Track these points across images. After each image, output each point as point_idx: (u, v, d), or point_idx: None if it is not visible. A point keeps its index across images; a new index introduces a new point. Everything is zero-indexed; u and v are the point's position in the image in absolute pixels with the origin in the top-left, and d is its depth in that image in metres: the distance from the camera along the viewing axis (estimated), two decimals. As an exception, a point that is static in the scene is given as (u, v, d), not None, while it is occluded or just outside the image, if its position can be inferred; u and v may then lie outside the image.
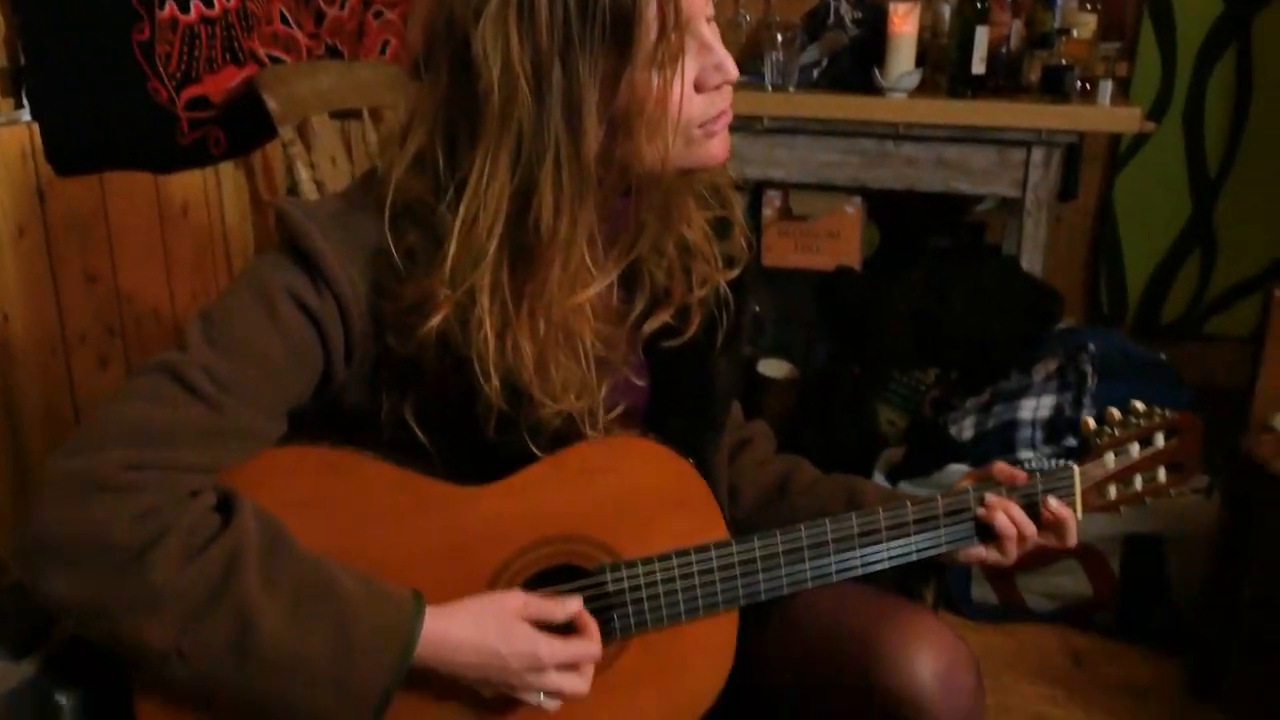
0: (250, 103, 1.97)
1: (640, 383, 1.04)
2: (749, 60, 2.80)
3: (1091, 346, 2.20)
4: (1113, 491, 1.16)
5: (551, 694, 0.95)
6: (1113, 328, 3.22)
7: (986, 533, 1.11)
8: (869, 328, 2.60)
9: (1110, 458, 1.15)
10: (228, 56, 1.98)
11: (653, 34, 0.85)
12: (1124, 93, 3.02)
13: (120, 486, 0.81)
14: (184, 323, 0.94)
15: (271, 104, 1.91)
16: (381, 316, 0.90)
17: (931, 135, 2.53)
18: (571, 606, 0.95)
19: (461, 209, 0.87)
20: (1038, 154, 2.50)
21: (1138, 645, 2.02)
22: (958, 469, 2.10)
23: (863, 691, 0.99)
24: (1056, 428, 2.05)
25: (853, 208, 2.75)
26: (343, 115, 2.26)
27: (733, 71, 0.92)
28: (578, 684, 0.95)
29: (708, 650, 1.05)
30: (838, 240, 2.80)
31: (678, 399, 1.07)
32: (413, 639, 0.88)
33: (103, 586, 0.81)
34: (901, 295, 2.59)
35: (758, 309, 2.94)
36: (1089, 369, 2.12)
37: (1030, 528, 1.10)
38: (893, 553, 1.08)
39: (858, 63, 2.63)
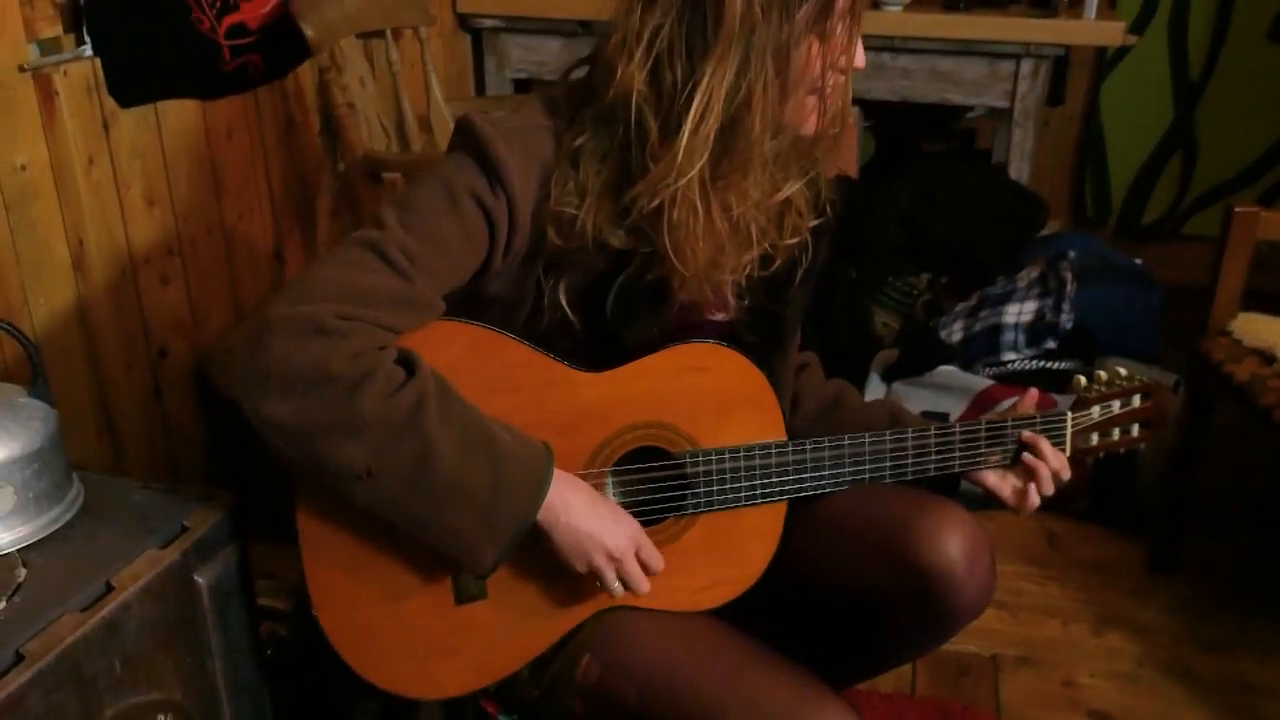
0: (284, 27, 2.08)
1: (730, 305, 1.23)
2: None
3: (1071, 253, 2.36)
4: (1095, 438, 1.34)
5: (626, 580, 1.13)
6: (1097, 230, 3.39)
7: (1015, 462, 1.29)
8: (863, 234, 2.75)
9: (1096, 410, 1.33)
10: (261, -17, 2.07)
11: (839, 12, 1.05)
12: (1111, 2, 3.12)
13: (337, 331, 0.99)
14: (379, 206, 1.11)
15: (309, 31, 2.02)
16: (545, 217, 1.09)
17: (926, 48, 2.65)
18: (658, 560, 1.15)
19: (691, 111, 1.04)
20: (1026, 66, 2.63)
21: (1106, 528, 2.24)
22: (947, 370, 2.28)
23: (900, 566, 1.17)
24: (1037, 331, 2.23)
25: (851, 117, 2.87)
26: (367, 36, 2.37)
27: (863, 63, 1.12)
28: (645, 584, 1.14)
29: (760, 534, 1.23)
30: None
31: (758, 320, 1.24)
32: (547, 480, 1.07)
33: (319, 410, 0.99)
34: (893, 201, 2.74)
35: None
36: (1068, 275, 2.29)
37: (1060, 464, 1.27)
38: (939, 464, 1.26)
39: (857, -25, 2.72)
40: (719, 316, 1.24)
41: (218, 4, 1.96)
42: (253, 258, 2.14)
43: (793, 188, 1.16)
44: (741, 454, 1.19)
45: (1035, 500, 1.29)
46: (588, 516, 1.10)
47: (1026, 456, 1.28)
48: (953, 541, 1.16)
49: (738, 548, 1.22)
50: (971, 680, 1.85)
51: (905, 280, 2.68)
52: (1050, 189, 3.40)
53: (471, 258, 1.09)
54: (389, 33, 2.34)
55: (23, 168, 1.61)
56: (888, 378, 2.42)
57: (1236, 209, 1.86)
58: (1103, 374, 1.35)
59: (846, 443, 1.23)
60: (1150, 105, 3.26)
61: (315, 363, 0.99)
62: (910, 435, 1.24)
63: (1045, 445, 1.28)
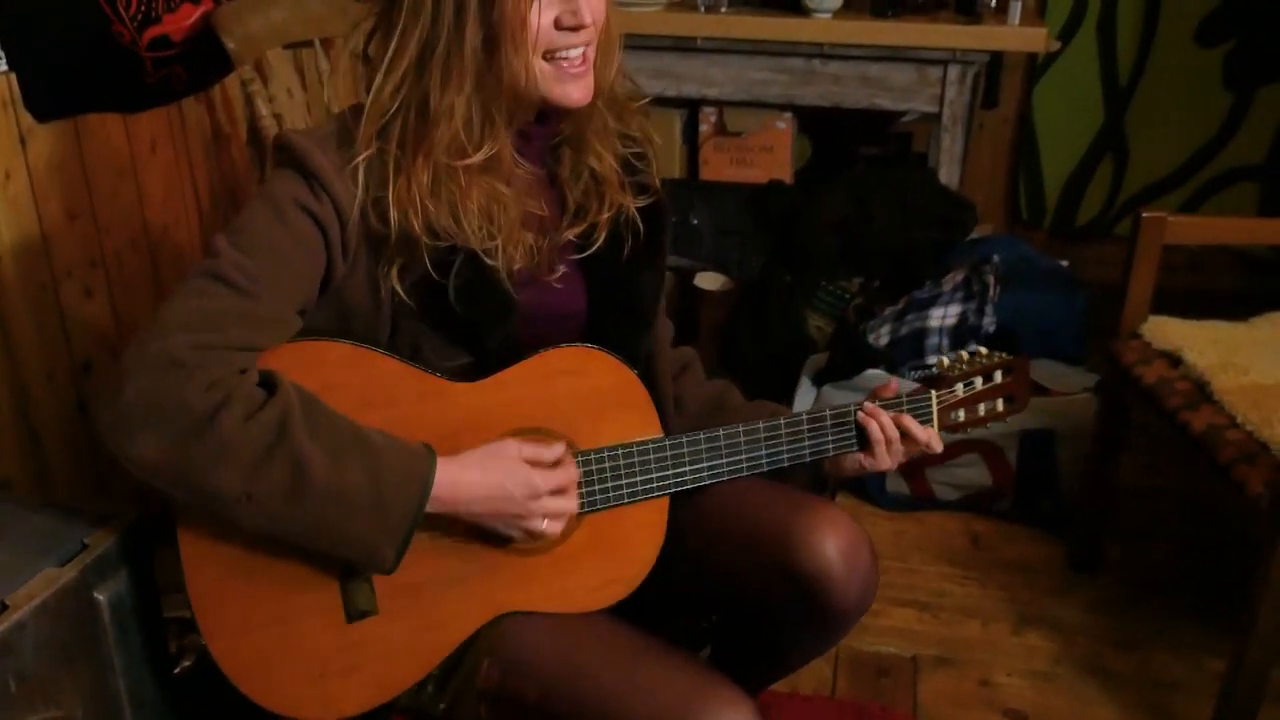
0: (209, 39, 2.07)
1: (579, 289, 1.27)
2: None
3: (996, 257, 2.41)
4: (961, 415, 1.39)
5: (550, 515, 1.16)
6: (1032, 232, 3.44)
7: (865, 442, 1.32)
8: (797, 238, 2.79)
9: (960, 387, 1.38)
10: (184, -5, 2.07)
11: None
12: (1040, 5, 3.18)
13: (189, 363, 1.01)
14: (210, 238, 1.14)
15: (230, 44, 2.01)
16: (368, 210, 1.13)
17: (854, 54, 2.69)
18: (557, 448, 1.18)
19: (378, 78, 1.12)
20: (953, 72, 2.67)
21: (1029, 528, 2.29)
22: (874, 374, 2.31)
23: (777, 567, 1.20)
24: (960, 335, 2.27)
25: (784, 123, 2.91)
26: (295, 46, 2.37)
27: (585, 18, 1.12)
28: (568, 504, 1.18)
29: (645, 530, 1.26)
30: (770, 154, 2.96)
31: (610, 303, 1.29)
32: (430, 474, 1.09)
33: (183, 444, 1.01)
34: (826, 206, 2.77)
35: (696, 222, 3.10)
36: (991, 279, 2.33)
37: (894, 432, 1.31)
38: (790, 452, 1.29)
39: (787, -17, 2.76)
40: (580, 289, 1.28)
41: (139, 16, 1.96)
42: (180, 269, 2.13)
43: (595, 162, 1.24)
44: (620, 452, 1.22)
45: (886, 461, 1.31)
46: (485, 485, 1.12)
47: (870, 430, 1.30)
48: (829, 543, 1.19)
49: (624, 546, 1.25)
50: (891, 681, 1.88)
51: (838, 284, 2.72)
52: (986, 191, 3.46)
53: (311, 265, 1.12)
54: (318, 42, 2.34)
55: (-64, 183, 1.61)
56: (818, 381, 2.45)
57: (1144, 214, 1.91)
58: (964, 354, 1.41)
59: (721, 434, 1.26)
60: (1081, 108, 3.32)
61: (173, 396, 1.00)
62: (762, 426, 1.28)
63: (884, 418, 1.30)
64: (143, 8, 1.96)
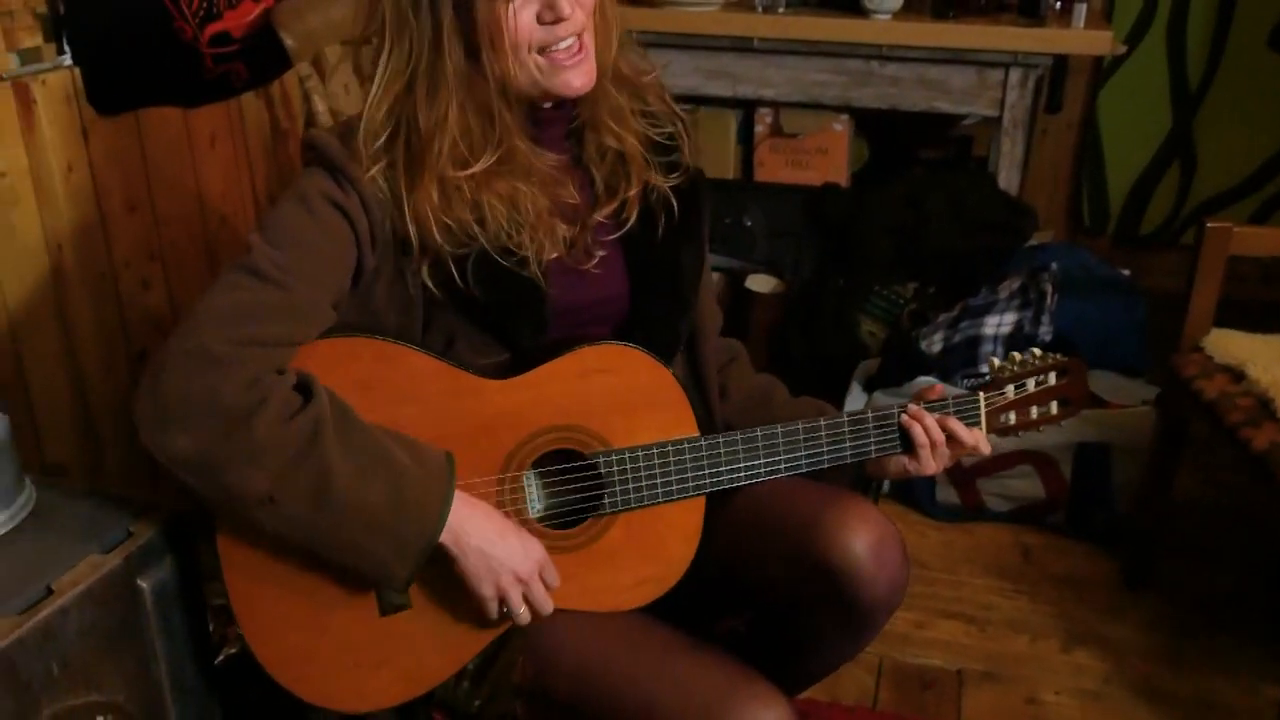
0: (268, 36, 2.10)
1: (619, 271, 1.27)
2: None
3: (1054, 265, 2.36)
4: (1012, 417, 1.36)
5: (532, 602, 1.16)
6: (1094, 239, 3.37)
7: (909, 445, 1.29)
8: (852, 241, 2.76)
9: (1011, 389, 1.34)
10: (246, -9, 2.10)
11: None
12: (1107, 8, 3.11)
13: (226, 359, 1.03)
14: (220, 260, 1.15)
15: (289, 41, 2.04)
16: (390, 202, 1.14)
17: (914, 56, 2.65)
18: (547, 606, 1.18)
19: (370, 97, 1.14)
20: (1015, 75, 2.62)
21: (1082, 543, 2.24)
22: (925, 381, 2.28)
23: (808, 564, 1.19)
24: (1015, 343, 2.23)
25: (840, 125, 2.88)
26: (353, 42, 2.39)
27: (563, 10, 1.12)
28: (550, 604, 1.17)
29: (680, 530, 1.25)
30: (826, 156, 2.93)
31: (650, 283, 1.28)
32: (448, 498, 1.10)
33: (216, 441, 1.02)
34: (882, 209, 2.74)
35: (749, 223, 3.07)
36: (1049, 287, 2.28)
37: (939, 435, 1.28)
38: (830, 454, 1.28)
39: (847, -19, 2.73)
40: (621, 273, 1.27)
41: (200, 13, 1.99)
42: (236, 262, 2.17)
43: (618, 143, 1.24)
44: (655, 451, 1.22)
45: (931, 465, 1.29)
46: (493, 540, 1.12)
47: (914, 433, 1.28)
48: (858, 538, 1.17)
49: (658, 545, 1.24)
50: (935, 695, 1.85)
51: (892, 289, 2.68)
52: (1047, 197, 3.39)
53: (342, 257, 1.14)
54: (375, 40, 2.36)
55: (1, 174, 1.64)
56: (869, 387, 2.42)
57: (1209, 224, 1.86)
58: (1016, 354, 1.37)
59: (759, 434, 1.25)
60: (1148, 114, 3.24)
61: (209, 393, 1.02)
62: (801, 427, 1.26)
63: (928, 420, 1.28)
64: (204, 4, 1.99)
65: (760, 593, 1.27)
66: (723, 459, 1.24)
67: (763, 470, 1.26)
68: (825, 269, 2.79)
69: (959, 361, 2.27)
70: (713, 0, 2.74)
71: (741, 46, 2.73)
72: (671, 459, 1.22)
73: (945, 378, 2.28)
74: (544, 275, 1.19)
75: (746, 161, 3.02)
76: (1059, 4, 2.65)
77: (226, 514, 1.11)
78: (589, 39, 1.17)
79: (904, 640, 1.95)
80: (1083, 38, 2.56)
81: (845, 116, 2.87)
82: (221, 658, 1.44)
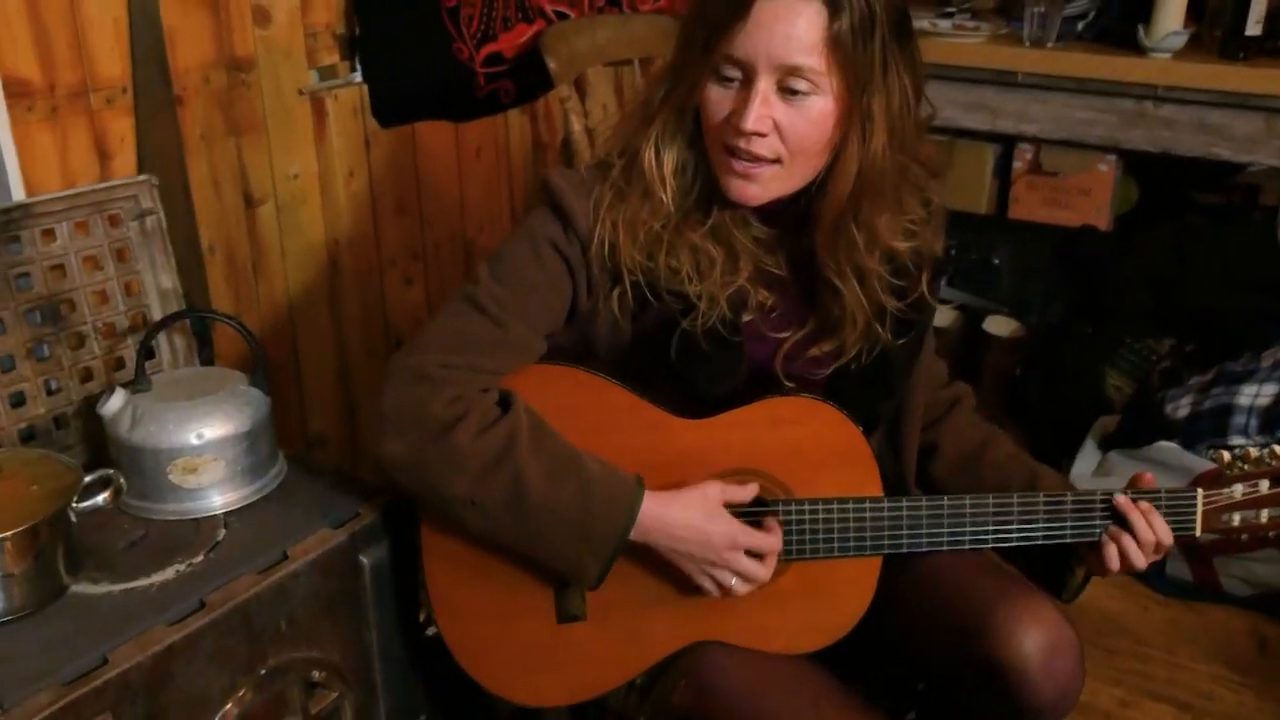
0: (537, 56, 2.26)
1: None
2: (1013, 6, 2.80)
3: (1331, 336, 2.16)
4: (1236, 519, 1.26)
5: (740, 574, 1.20)
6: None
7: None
8: (1107, 288, 2.63)
9: (1239, 489, 1.25)
10: (519, 14, 2.27)
11: (714, 52, 1.12)
12: None
13: (438, 379, 1.15)
14: (476, 261, 1.26)
15: (552, 64, 2.18)
16: (612, 253, 1.20)
17: (1193, 99, 2.48)
18: (751, 489, 1.22)
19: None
20: (1310, 125, 2.41)
21: (1333, 639, 2.05)
22: (1168, 446, 2.15)
23: (976, 655, 1.17)
24: (1272, 419, 2.06)
25: (1106, 165, 2.74)
26: (616, 64, 2.52)
27: (746, 123, 1.12)
28: (761, 571, 1.21)
29: (854, 585, 1.27)
30: (1088, 197, 2.80)
31: (852, 372, 1.28)
32: (636, 504, 1.16)
33: (423, 448, 1.14)
34: (1142, 257, 2.59)
35: (996, 262, 2.98)
36: (1321, 360, 2.10)
37: (1149, 536, 1.21)
38: (1020, 534, 1.25)
39: (1126, 15, 2.59)
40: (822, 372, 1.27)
41: (479, 35, 2.16)
42: (489, 265, 2.34)
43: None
44: (836, 505, 1.23)
45: (1115, 564, 1.23)
46: (686, 525, 1.17)
47: (1111, 528, 1.23)
48: (1030, 636, 1.14)
49: (830, 597, 1.26)
50: (1132, 777, 1.76)
51: (1145, 343, 2.54)
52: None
53: (559, 300, 1.22)
54: (636, 61, 2.48)
55: (295, 177, 1.86)
56: (1105, 445, 2.31)
57: None
58: (1252, 450, 1.26)
59: (945, 503, 1.24)
60: None
61: (419, 406, 1.14)
62: (991, 501, 1.23)
63: (1136, 515, 1.21)
64: (482, 26, 2.17)
65: (926, 669, 1.26)
66: (904, 523, 1.24)
67: (945, 540, 1.25)
68: (1073, 315, 2.68)
69: (1205, 430, 2.13)
70: (978, 32, 2.68)
71: (1004, 80, 2.65)
72: (851, 516, 1.24)
73: (1189, 445, 2.14)
74: (742, 336, 1.22)
75: (1001, 197, 2.94)
76: (1371, 49, 2.42)
77: (441, 514, 1.21)
78: (779, 168, 1.16)
79: (1105, 718, 1.86)
80: (1395, 89, 2.32)
81: (1112, 157, 2.73)
82: (431, 631, 1.58)
